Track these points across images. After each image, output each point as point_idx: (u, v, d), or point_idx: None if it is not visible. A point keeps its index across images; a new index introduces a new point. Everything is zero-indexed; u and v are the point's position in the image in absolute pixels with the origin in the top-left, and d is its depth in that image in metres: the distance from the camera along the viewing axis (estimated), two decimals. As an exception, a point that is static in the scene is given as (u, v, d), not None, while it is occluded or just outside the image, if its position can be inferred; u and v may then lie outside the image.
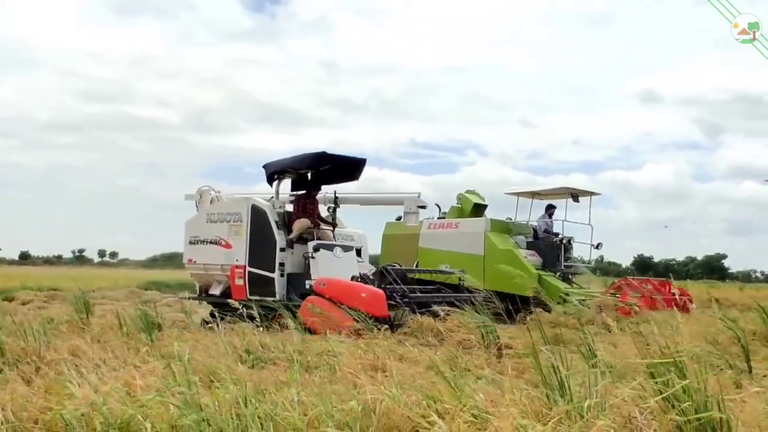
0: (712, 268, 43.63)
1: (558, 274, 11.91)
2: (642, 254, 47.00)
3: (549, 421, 2.52)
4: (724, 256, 47.83)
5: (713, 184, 73.79)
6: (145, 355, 4.54)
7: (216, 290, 9.55)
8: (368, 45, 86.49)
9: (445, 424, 2.45)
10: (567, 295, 10.50)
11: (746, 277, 42.49)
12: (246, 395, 2.76)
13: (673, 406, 2.45)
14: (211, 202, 10.19)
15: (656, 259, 46.77)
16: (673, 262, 47.40)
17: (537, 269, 11.43)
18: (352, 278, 8.52)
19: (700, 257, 50.02)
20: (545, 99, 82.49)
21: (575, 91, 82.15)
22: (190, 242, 9.86)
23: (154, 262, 45.62)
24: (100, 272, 28.31)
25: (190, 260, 9.87)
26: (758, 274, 47.74)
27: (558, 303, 9.62)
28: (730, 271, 45.49)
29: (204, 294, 9.78)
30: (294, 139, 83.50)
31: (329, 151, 9.06)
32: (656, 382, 2.59)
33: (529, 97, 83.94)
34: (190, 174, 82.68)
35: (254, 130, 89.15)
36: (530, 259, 11.72)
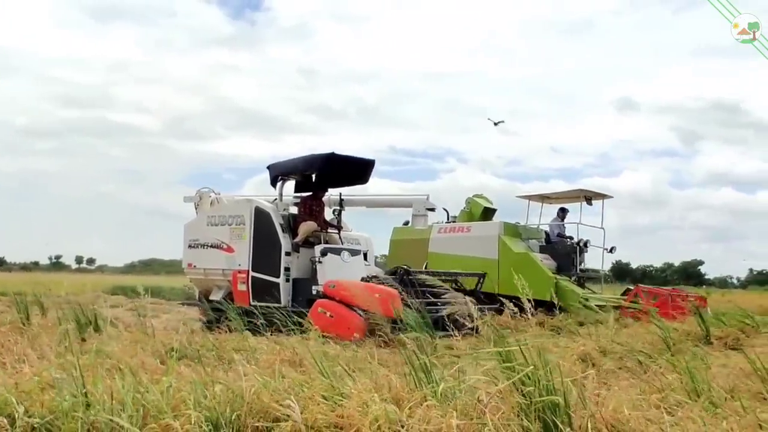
0: (689, 274, 44.24)
1: (573, 278, 11.92)
2: (620, 260, 47.51)
3: (406, 403, 2.85)
4: (701, 262, 48.88)
5: (690, 191, 76.81)
6: (63, 351, 4.78)
7: (217, 296, 9.45)
8: (348, 51, 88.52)
9: (299, 407, 2.76)
10: (587, 300, 10.51)
11: (722, 283, 43.27)
12: (124, 383, 3.04)
13: (519, 390, 2.79)
14: (210, 204, 10.15)
15: (633, 266, 46.97)
16: (651, 268, 47.92)
17: (553, 273, 11.45)
18: (362, 279, 8.50)
19: (677, 263, 50.82)
20: (524, 106, 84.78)
21: (553, 99, 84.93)
22: (190, 246, 9.77)
23: (132, 268, 45.91)
24: (74, 278, 28.87)
25: (189, 265, 9.78)
26: (734, 280, 48.57)
27: (579, 308, 9.65)
28: (706, 277, 46.42)
29: (204, 300, 9.72)
30: (274, 146, 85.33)
31: (336, 153, 9.09)
32: (505, 368, 2.93)
33: (507, 104, 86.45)
34: (169, 180, 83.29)
35: (234, 137, 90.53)
36: (545, 263, 11.74)
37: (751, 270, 50.79)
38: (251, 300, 8.89)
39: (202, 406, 2.87)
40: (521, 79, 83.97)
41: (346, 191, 10.24)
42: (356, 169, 9.49)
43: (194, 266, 9.69)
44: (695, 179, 79.83)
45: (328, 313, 7.63)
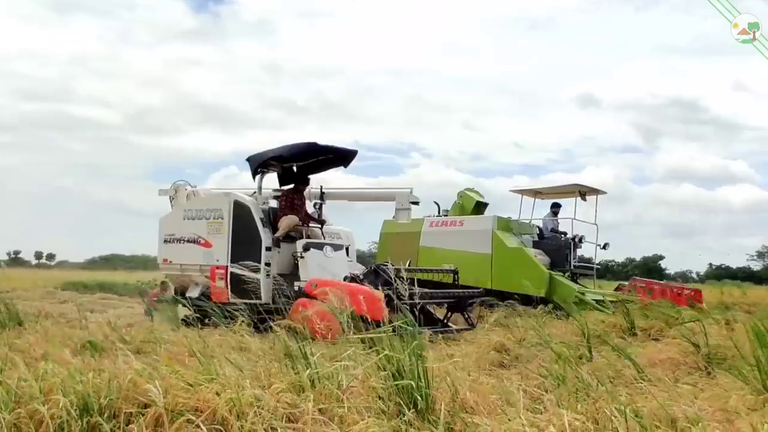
0: (650, 269, 44.73)
1: (567, 274, 11.88)
2: (582, 255, 48.01)
3: (275, 388, 3.22)
4: (662, 257, 49.52)
5: (652, 187, 78.40)
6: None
7: (194, 292, 9.31)
8: (312, 47, 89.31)
9: (161, 391, 3.03)
10: (583, 295, 10.49)
11: (683, 278, 44.00)
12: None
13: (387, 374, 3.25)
14: (186, 197, 10.00)
15: (596, 260, 47.62)
16: (613, 263, 48.53)
17: (547, 269, 11.41)
18: (345, 279, 8.40)
19: (638, 258, 51.46)
20: (487, 102, 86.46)
21: (516, 95, 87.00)
22: (165, 241, 9.60)
23: (92, 264, 46.22)
24: (32, 273, 29.22)
25: (165, 260, 9.61)
26: (693, 275, 49.20)
27: (575, 304, 9.61)
28: (667, 272, 46.90)
29: (180, 296, 9.58)
30: (237, 141, 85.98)
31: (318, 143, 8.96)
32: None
33: (470, 100, 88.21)
34: (131, 175, 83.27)
35: (196, 131, 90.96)
36: (539, 258, 11.69)
37: (710, 265, 52.33)
38: (230, 296, 8.77)
39: (74, 392, 3.06)
40: (484, 75, 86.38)
41: (327, 184, 10.13)
42: (337, 159, 9.43)
43: (170, 262, 9.53)
44: (656, 175, 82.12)
45: (309, 313, 7.52)
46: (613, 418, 2.85)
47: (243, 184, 9.45)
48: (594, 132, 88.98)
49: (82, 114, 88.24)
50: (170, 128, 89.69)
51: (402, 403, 3.13)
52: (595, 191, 12.84)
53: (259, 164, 9.16)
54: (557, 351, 4.77)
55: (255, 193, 9.40)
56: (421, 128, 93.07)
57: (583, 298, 10.29)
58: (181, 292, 9.59)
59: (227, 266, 8.85)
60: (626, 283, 13.22)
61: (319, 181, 9.88)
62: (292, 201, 9.12)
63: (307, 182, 9.42)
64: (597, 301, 10.09)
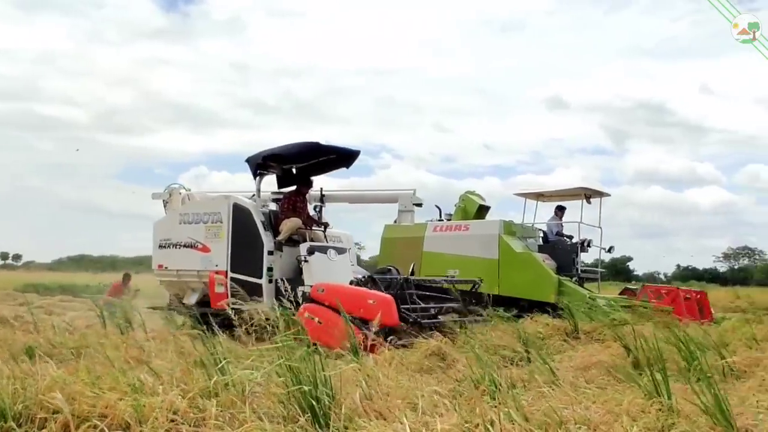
0: (618, 270, 45.80)
1: (574, 279, 11.86)
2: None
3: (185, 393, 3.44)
4: (630, 259, 50.72)
5: (620, 189, 79.74)
6: None
7: (191, 299, 9.18)
8: (282, 47, 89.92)
9: (67, 397, 3.26)
10: (594, 301, 10.45)
11: (651, 279, 45.55)
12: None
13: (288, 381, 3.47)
14: (182, 201, 9.89)
15: (601, 264, 48.69)
16: (582, 265, 49.85)
17: (555, 274, 11.38)
18: (351, 283, 8.32)
19: (607, 260, 52.86)
20: (457, 103, 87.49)
21: (487, 97, 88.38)
22: (160, 246, 9.44)
23: (60, 265, 45.93)
24: None
25: (160, 266, 9.44)
26: (662, 276, 50.96)
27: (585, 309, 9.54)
28: (635, 273, 48.27)
29: (177, 303, 9.43)
30: (207, 141, 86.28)
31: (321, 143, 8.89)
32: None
33: (441, 101, 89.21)
34: (99, 175, 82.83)
35: (166, 131, 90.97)
36: (546, 263, 11.66)
37: (678, 266, 54.31)
38: (230, 303, 8.63)
39: None
40: (455, 76, 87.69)
41: (328, 186, 10.07)
42: (340, 159, 9.35)
43: (165, 267, 9.37)
44: (625, 177, 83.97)
45: (316, 319, 7.41)
46: (497, 421, 3.06)
47: (225, 186, 9.31)
48: (563, 134, 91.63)
49: (51, 113, 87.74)
50: (139, 128, 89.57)
51: (300, 408, 3.36)
52: (600, 193, 12.86)
53: (259, 165, 9.07)
54: (479, 355, 5.01)
55: (254, 195, 9.31)
56: (392, 129, 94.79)
57: (594, 305, 10.25)
58: (177, 298, 9.43)
59: (227, 271, 8.73)
60: (632, 287, 13.23)
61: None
62: (294, 203, 9.02)
63: (310, 184, 9.34)
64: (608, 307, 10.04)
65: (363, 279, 8.42)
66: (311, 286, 7.96)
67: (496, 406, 3.36)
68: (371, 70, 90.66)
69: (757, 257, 59.40)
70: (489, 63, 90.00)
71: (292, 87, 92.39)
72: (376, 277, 8.38)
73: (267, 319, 6.48)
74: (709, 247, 70.90)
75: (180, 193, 9.86)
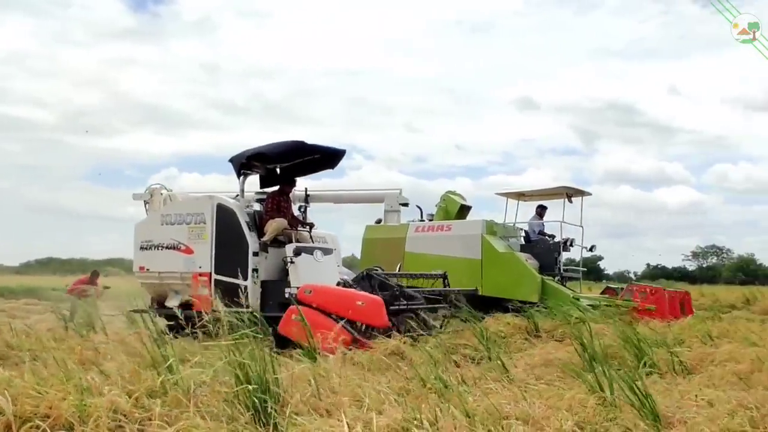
0: (589, 270, 47.15)
1: (557, 278, 12.03)
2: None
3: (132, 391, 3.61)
4: (600, 258, 51.98)
5: (591, 189, 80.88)
6: None
7: (173, 301, 9.09)
8: (252, 47, 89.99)
9: (9, 397, 3.36)
10: (578, 300, 10.60)
11: (621, 278, 46.78)
12: None
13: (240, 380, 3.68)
14: (163, 202, 9.78)
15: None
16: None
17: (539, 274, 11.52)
18: (338, 284, 8.32)
19: (577, 259, 54.11)
20: (429, 104, 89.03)
21: (457, 97, 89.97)
22: (141, 248, 9.31)
23: (27, 268, 45.40)
24: None
25: (141, 268, 9.31)
26: (632, 275, 51.86)
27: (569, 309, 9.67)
28: (605, 272, 49.25)
29: (158, 306, 9.34)
30: (177, 142, 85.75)
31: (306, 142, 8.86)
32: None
33: (412, 101, 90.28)
34: (68, 176, 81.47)
35: (135, 132, 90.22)
36: (529, 263, 11.80)
37: (647, 265, 55.49)
38: (214, 305, 8.57)
39: None
40: (425, 77, 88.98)
41: (313, 186, 10.05)
42: (325, 159, 9.31)
43: (147, 270, 9.25)
44: (595, 177, 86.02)
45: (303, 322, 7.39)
46: (441, 417, 3.28)
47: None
48: (534, 134, 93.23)
49: (18, 114, 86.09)
50: (108, 129, 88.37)
51: (245, 406, 3.55)
52: (581, 192, 13.05)
53: (243, 165, 9.02)
54: (431, 353, 5.38)
55: (237, 195, 9.25)
56: (363, 130, 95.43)
57: (578, 304, 10.40)
58: (158, 301, 9.33)
59: (211, 273, 8.67)
60: (613, 286, 13.46)
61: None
62: (278, 203, 8.98)
63: (293, 184, 9.29)
64: (592, 306, 10.21)
65: (347, 281, 8.46)
66: (298, 288, 7.96)
67: (441, 403, 3.56)
68: (341, 71, 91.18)
69: (725, 256, 61.26)
70: (459, 63, 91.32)
71: (262, 88, 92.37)
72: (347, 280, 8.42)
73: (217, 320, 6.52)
74: (679, 246, 72.97)
75: (161, 194, 9.74)
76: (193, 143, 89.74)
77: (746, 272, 47.98)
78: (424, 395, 3.98)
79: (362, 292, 7.72)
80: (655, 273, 51.39)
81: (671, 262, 62.08)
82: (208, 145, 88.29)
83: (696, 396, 3.98)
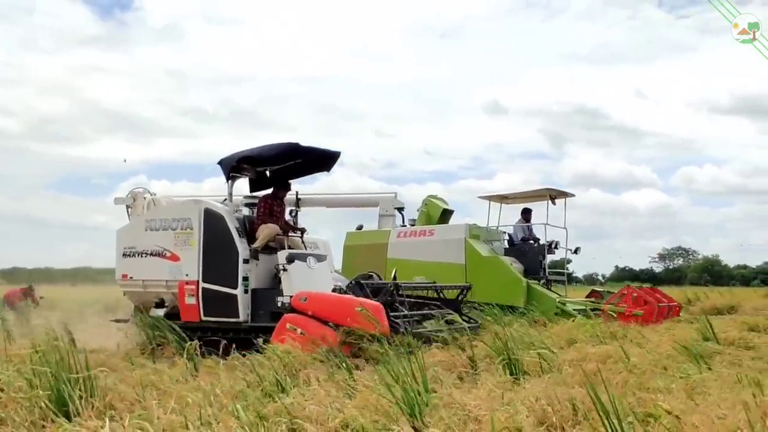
0: (558, 273, 48.57)
1: (542, 282, 12.26)
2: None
3: None
4: (569, 261, 53.39)
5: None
6: None
7: (158, 311, 9.00)
8: (221, 54, 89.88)
9: None
10: (564, 305, 10.82)
11: (590, 281, 48.51)
12: None
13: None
14: (147, 206, 9.65)
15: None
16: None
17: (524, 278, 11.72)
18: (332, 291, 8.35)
19: (547, 261, 55.70)
20: (398, 110, 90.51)
21: (427, 102, 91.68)
22: (124, 255, 9.15)
23: None
24: None
25: (124, 276, 9.14)
26: (600, 277, 53.73)
27: (555, 314, 9.91)
28: (574, 275, 51.07)
29: (143, 315, 9.20)
30: (146, 149, 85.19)
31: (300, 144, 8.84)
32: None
33: (382, 107, 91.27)
34: (35, 185, 79.68)
35: (103, 140, 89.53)
36: (513, 267, 12.00)
37: (616, 267, 57.46)
38: (202, 315, 8.51)
39: None
40: (396, 82, 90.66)
41: (304, 190, 10.03)
42: (320, 161, 9.28)
43: (130, 277, 9.09)
44: (564, 181, 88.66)
45: (299, 330, 7.40)
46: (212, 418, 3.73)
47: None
48: (503, 139, 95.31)
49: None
50: (75, 137, 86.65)
51: (49, 409, 3.95)
52: (564, 194, 13.31)
53: (233, 168, 8.96)
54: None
55: (225, 200, 9.18)
56: (333, 135, 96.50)
57: (565, 309, 10.64)
58: (142, 310, 9.21)
59: (198, 281, 8.59)
60: (600, 289, 13.79)
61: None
62: (271, 207, 8.92)
63: (288, 187, 9.24)
64: (579, 311, 10.45)
65: (341, 288, 8.49)
66: (291, 297, 7.95)
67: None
68: (311, 77, 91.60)
69: (691, 257, 63.32)
70: (429, 69, 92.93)
71: (231, 95, 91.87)
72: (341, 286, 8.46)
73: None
74: (648, 248, 74.77)
75: (145, 198, 9.60)
76: (162, 150, 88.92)
77: (711, 273, 49.62)
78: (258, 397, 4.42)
79: (360, 298, 7.75)
80: (623, 275, 52.91)
81: (639, 264, 63.87)
82: (178, 153, 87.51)
83: (523, 398, 4.10)
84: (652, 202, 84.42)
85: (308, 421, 3.73)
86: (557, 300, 11.14)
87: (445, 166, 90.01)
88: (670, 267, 62.59)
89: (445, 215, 13.56)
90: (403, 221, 13.51)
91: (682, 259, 64.20)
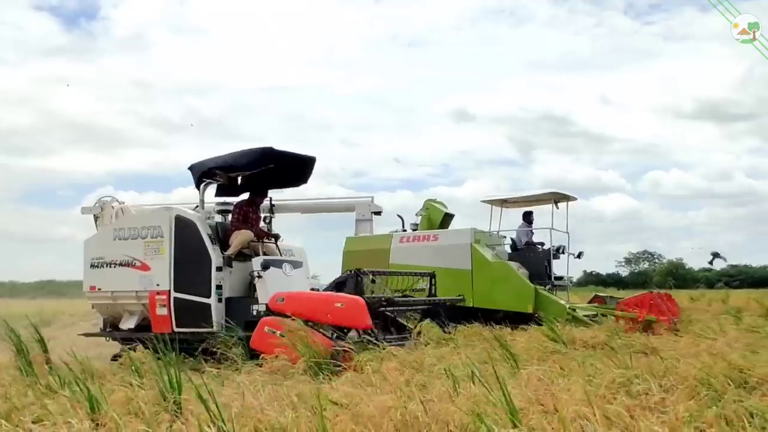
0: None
1: (548, 287, 11.98)
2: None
3: None
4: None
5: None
6: None
7: (128, 323, 8.81)
8: (187, 64, 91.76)
9: None
10: (574, 311, 10.54)
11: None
12: None
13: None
14: (115, 215, 9.53)
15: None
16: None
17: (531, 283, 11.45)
18: None
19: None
20: (366, 118, 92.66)
21: (394, 111, 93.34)
22: (92, 266, 8.98)
23: None
24: None
25: (92, 287, 8.96)
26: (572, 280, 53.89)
27: (567, 321, 9.61)
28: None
29: (111, 328, 9.05)
30: (112, 161, 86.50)
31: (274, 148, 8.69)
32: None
33: (349, 116, 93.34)
34: None
35: (68, 151, 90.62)
36: (520, 272, 11.75)
37: (584, 271, 57.07)
38: (174, 326, 8.33)
39: None
40: (363, 91, 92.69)
41: (276, 197, 9.89)
42: (295, 167, 9.11)
43: (99, 289, 8.92)
44: (533, 187, 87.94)
45: (277, 333, 7.20)
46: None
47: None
48: (470, 146, 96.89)
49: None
50: (39, 149, 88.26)
51: None
52: (567, 197, 13.07)
53: (204, 174, 8.82)
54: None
55: (197, 207, 9.04)
56: (301, 145, 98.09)
57: (576, 315, 10.36)
58: (112, 323, 9.05)
59: (170, 291, 8.42)
60: (601, 294, 13.54)
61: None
62: (246, 214, 8.77)
63: (265, 193, 9.09)
64: (590, 318, 10.16)
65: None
66: (266, 304, 7.77)
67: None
68: (278, 87, 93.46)
69: (657, 261, 64.23)
70: (396, 78, 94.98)
71: (197, 105, 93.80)
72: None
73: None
74: (615, 252, 75.14)
75: (113, 207, 9.48)
76: (129, 161, 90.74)
77: (675, 277, 49.88)
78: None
79: (340, 293, 7.56)
80: (590, 279, 53.86)
81: (605, 268, 64.11)
82: (144, 163, 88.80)
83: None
84: (620, 207, 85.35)
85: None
86: (567, 306, 10.84)
87: (414, 173, 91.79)
88: (635, 271, 63.20)
89: (447, 219, 13.40)
90: (403, 226, 13.38)
91: (647, 263, 65.00)
